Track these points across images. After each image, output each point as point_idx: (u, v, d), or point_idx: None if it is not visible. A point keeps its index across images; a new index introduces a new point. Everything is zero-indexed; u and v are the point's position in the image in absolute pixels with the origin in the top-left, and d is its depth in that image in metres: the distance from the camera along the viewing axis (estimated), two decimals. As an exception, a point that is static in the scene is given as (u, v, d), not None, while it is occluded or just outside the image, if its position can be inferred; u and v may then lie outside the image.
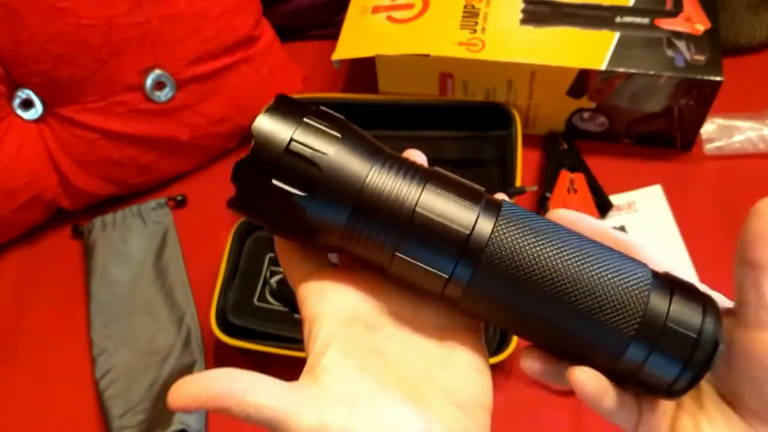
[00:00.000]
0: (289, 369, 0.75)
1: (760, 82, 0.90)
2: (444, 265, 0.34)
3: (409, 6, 0.87)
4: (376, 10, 0.88)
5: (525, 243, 0.33)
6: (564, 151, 0.86)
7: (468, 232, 0.33)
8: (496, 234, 0.33)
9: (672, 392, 0.34)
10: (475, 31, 0.83)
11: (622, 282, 0.33)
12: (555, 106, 0.84)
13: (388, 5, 0.88)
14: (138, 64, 0.81)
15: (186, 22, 0.82)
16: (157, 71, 0.82)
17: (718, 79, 0.77)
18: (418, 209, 0.34)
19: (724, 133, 0.85)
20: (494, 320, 0.37)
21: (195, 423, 0.71)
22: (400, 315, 0.37)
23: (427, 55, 0.82)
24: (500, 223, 0.34)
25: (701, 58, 0.78)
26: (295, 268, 0.38)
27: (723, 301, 0.36)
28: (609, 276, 0.33)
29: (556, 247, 0.34)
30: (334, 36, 0.88)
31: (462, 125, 0.87)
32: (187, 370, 0.75)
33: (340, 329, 0.35)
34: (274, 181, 0.34)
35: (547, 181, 0.83)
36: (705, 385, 0.36)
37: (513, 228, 0.34)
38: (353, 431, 0.32)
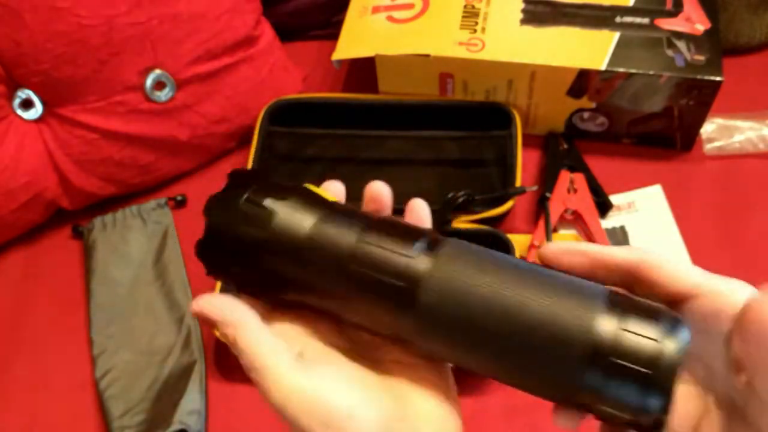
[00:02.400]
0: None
1: (760, 82, 0.90)
2: (388, 319, 0.34)
3: (409, 6, 0.87)
4: (376, 10, 0.88)
5: (461, 286, 0.33)
6: (564, 151, 0.86)
7: (402, 284, 0.33)
8: (431, 280, 0.33)
9: (644, 428, 0.31)
10: (475, 31, 0.83)
11: (565, 317, 0.31)
12: (555, 106, 0.84)
13: (388, 5, 0.88)
14: (138, 64, 0.81)
15: (186, 22, 0.82)
16: (157, 71, 0.82)
17: (718, 79, 0.77)
18: (353, 267, 0.34)
19: (724, 133, 0.85)
20: (450, 361, 0.36)
21: (195, 423, 0.72)
22: (371, 356, 0.37)
23: (427, 55, 0.82)
24: (435, 268, 0.33)
25: (701, 58, 0.78)
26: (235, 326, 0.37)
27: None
28: (551, 310, 0.31)
29: (493, 286, 0.32)
30: (334, 36, 0.88)
31: (462, 125, 0.87)
32: (187, 370, 0.75)
33: (307, 348, 0.36)
34: (232, 227, 0.36)
35: (547, 181, 0.83)
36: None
37: (448, 271, 0.33)
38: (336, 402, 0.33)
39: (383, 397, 0.35)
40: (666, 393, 0.30)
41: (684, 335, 0.31)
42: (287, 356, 0.34)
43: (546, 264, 0.36)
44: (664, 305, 0.33)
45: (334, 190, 0.40)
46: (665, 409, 0.30)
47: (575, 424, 0.33)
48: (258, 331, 0.35)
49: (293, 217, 0.36)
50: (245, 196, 0.36)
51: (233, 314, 0.35)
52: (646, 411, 0.31)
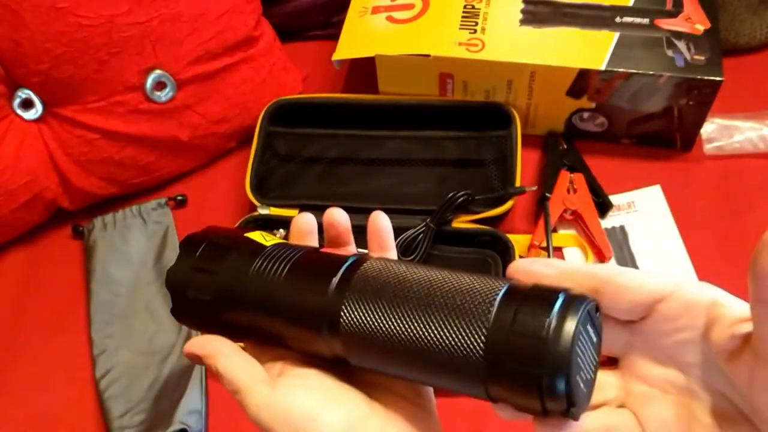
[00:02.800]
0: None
1: (760, 82, 0.90)
2: (321, 348, 0.38)
3: (409, 6, 0.87)
4: (376, 10, 0.88)
5: (373, 307, 0.35)
6: (564, 151, 0.86)
7: (323, 318, 0.37)
8: (346, 308, 0.36)
9: (558, 412, 0.32)
10: (475, 31, 0.83)
11: (462, 316, 0.33)
12: (555, 106, 0.84)
13: (388, 5, 0.88)
14: (138, 64, 0.81)
15: (186, 22, 0.82)
16: (157, 71, 0.82)
17: (718, 79, 0.77)
18: (280, 309, 0.38)
19: (724, 133, 0.85)
20: (383, 372, 0.38)
21: (195, 423, 0.72)
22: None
23: (427, 55, 0.82)
24: (348, 295, 0.36)
25: (701, 58, 0.78)
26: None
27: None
28: (450, 313, 0.33)
29: (399, 301, 0.35)
30: (334, 36, 0.88)
31: (462, 125, 0.87)
32: (187, 370, 0.75)
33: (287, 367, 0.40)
34: (188, 294, 0.41)
35: (546, 181, 0.83)
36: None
37: (361, 295, 0.36)
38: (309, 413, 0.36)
39: (349, 400, 0.37)
40: (563, 370, 0.30)
41: (577, 318, 0.31)
42: (260, 376, 0.38)
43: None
44: (559, 289, 0.33)
45: (301, 223, 0.43)
46: (570, 390, 0.31)
47: (510, 415, 0.34)
48: (233, 357, 0.39)
49: (229, 275, 0.40)
50: (192, 265, 0.41)
51: (211, 346, 0.40)
52: (551, 394, 0.31)
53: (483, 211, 0.80)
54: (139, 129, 0.84)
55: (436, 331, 0.34)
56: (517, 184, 0.80)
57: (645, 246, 0.80)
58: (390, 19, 0.86)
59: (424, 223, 0.78)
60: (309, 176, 0.87)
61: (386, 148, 0.87)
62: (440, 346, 0.33)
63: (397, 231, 0.79)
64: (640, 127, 0.85)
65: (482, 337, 0.32)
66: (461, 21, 0.84)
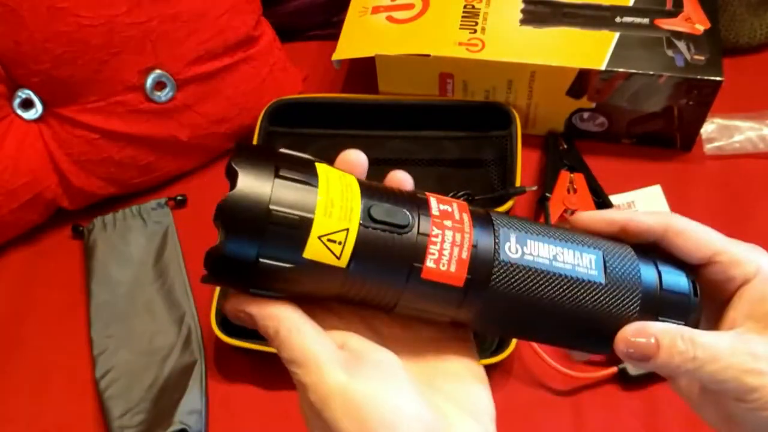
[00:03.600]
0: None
1: (760, 82, 0.90)
2: (448, 309, 0.36)
3: (409, 6, 0.87)
4: (376, 10, 0.88)
5: (526, 259, 0.35)
6: (564, 151, 0.86)
7: (468, 280, 0.34)
8: (498, 257, 0.35)
9: None
10: (475, 31, 0.83)
11: (617, 271, 0.36)
12: (555, 106, 0.84)
13: (388, 5, 0.88)
14: (138, 64, 0.81)
15: (186, 22, 0.82)
16: (157, 71, 0.82)
17: (718, 79, 0.77)
18: (416, 265, 0.34)
19: (724, 133, 0.85)
20: (509, 334, 0.39)
21: (195, 423, 0.72)
22: (389, 334, 0.37)
23: (427, 55, 0.82)
24: (498, 240, 0.35)
25: (701, 58, 0.78)
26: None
27: None
28: (606, 268, 0.36)
29: (552, 254, 0.36)
30: (334, 36, 0.88)
31: (462, 125, 0.87)
32: (187, 370, 0.75)
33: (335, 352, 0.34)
34: (261, 258, 0.32)
35: (547, 181, 0.83)
36: None
37: (511, 248, 0.35)
38: (379, 400, 0.31)
39: (428, 408, 0.33)
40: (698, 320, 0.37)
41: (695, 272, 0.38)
42: (332, 351, 0.33)
43: (577, 229, 0.39)
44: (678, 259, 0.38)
45: (352, 160, 0.38)
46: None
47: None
48: (301, 321, 0.33)
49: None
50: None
51: (275, 306, 0.33)
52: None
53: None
54: (139, 129, 0.84)
55: (589, 297, 0.36)
56: (517, 184, 0.80)
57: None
58: (390, 19, 0.86)
59: (424, 223, 0.78)
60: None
61: (386, 148, 0.87)
62: (601, 304, 0.36)
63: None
64: (640, 127, 0.85)
65: (638, 296, 0.36)
66: (461, 21, 0.84)
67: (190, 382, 0.74)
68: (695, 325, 0.36)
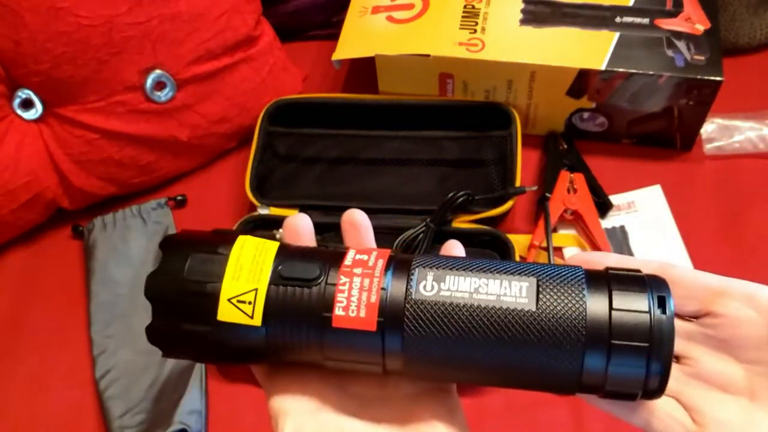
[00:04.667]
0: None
1: (760, 82, 0.90)
2: (374, 358, 0.35)
3: (409, 6, 0.87)
4: (376, 10, 0.88)
5: (442, 295, 0.34)
6: (564, 151, 0.86)
7: (380, 323, 0.34)
8: (410, 296, 0.34)
9: (651, 390, 0.33)
10: (475, 31, 0.83)
11: (554, 296, 0.33)
12: (555, 106, 0.84)
13: (388, 5, 0.88)
14: (138, 64, 0.81)
15: (186, 22, 0.82)
16: (157, 71, 0.82)
17: (718, 79, 0.77)
18: (325, 314, 0.34)
19: (724, 133, 0.85)
20: (446, 379, 0.37)
21: (195, 423, 0.72)
22: (365, 394, 0.37)
23: (427, 55, 0.82)
24: (412, 280, 0.34)
25: (701, 58, 0.78)
26: (255, 367, 0.38)
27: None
28: (540, 295, 0.33)
29: (474, 286, 0.34)
30: (334, 36, 0.88)
31: (462, 125, 0.87)
32: (187, 370, 0.75)
33: (305, 422, 0.35)
34: (182, 326, 0.35)
35: (547, 181, 0.83)
36: None
37: (426, 286, 0.34)
38: None
39: None
40: (665, 359, 0.32)
41: (670, 298, 0.33)
42: None
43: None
44: (640, 272, 0.34)
45: (296, 225, 0.40)
46: (665, 371, 0.32)
47: (602, 405, 0.35)
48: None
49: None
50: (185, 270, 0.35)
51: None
52: (647, 380, 0.32)
53: (483, 211, 0.80)
54: (139, 129, 0.84)
55: (522, 306, 0.33)
56: (517, 184, 0.80)
57: (645, 246, 0.80)
58: (390, 19, 0.86)
59: (424, 223, 0.78)
60: (309, 176, 0.87)
61: (386, 148, 0.87)
62: (532, 333, 0.32)
63: (397, 231, 0.79)
64: (640, 127, 0.85)
65: (582, 319, 0.32)
66: (461, 21, 0.84)
67: (190, 382, 0.74)
68: (669, 345, 0.32)
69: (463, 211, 0.80)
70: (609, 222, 0.82)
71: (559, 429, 0.71)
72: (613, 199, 0.82)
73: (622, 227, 0.81)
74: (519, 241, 0.79)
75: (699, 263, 0.77)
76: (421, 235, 0.78)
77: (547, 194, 0.82)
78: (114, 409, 0.74)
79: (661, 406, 0.35)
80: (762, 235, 0.80)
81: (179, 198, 0.88)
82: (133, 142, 0.84)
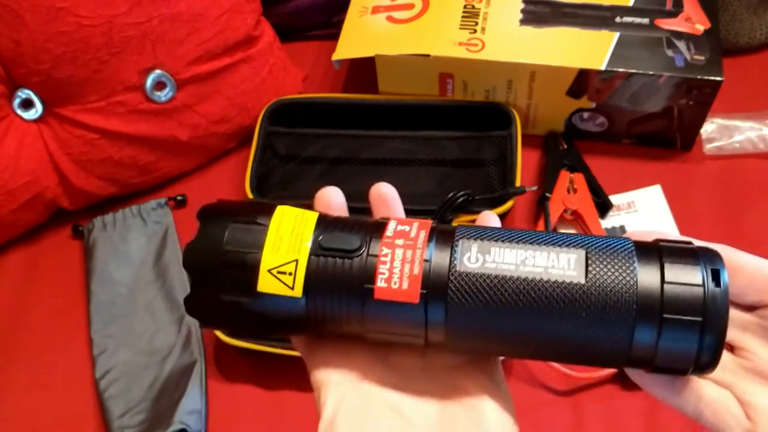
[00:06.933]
0: (289, 368, 0.75)
1: (760, 82, 0.90)
2: (416, 330, 0.34)
3: (409, 6, 0.87)
4: (376, 10, 0.88)
5: (488, 267, 0.33)
6: (564, 151, 0.86)
7: (423, 295, 0.33)
8: (454, 268, 0.33)
9: (702, 366, 0.32)
10: (474, 31, 0.83)
11: (604, 268, 0.32)
12: (555, 106, 0.84)
13: (388, 5, 0.88)
14: (138, 64, 0.81)
15: (186, 22, 0.82)
16: (157, 71, 0.82)
17: (718, 79, 0.77)
18: (367, 286, 0.34)
19: (724, 133, 0.85)
20: (490, 352, 0.36)
21: (195, 423, 0.72)
22: (407, 365, 0.37)
23: (427, 55, 0.82)
24: (455, 252, 0.33)
25: (701, 58, 0.78)
26: (295, 339, 0.38)
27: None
28: (589, 267, 0.32)
29: (521, 258, 0.33)
30: (334, 36, 0.88)
31: (462, 125, 0.87)
32: (187, 370, 0.75)
33: (348, 393, 0.35)
34: (221, 297, 0.35)
35: (547, 181, 0.83)
36: None
37: (471, 258, 0.33)
38: None
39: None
40: (719, 334, 0.31)
41: (724, 270, 0.32)
42: None
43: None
44: (691, 243, 0.33)
45: (328, 198, 0.40)
46: (719, 346, 0.31)
47: (646, 381, 0.34)
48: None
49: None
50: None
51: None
52: (699, 355, 0.31)
53: (483, 211, 0.80)
54: (139, 129, 0.84)
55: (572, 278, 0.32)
56: (517, 184, 0.80)
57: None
58: (390, 19, 0.86)
59: (424, 223, 0.78)
60: (309, 176, 0.87)
61: (386, 148, 0.87)
62: (581, 307, 0.31)
63: (397, 231, 0.79)
64: (640, 127, 0.85)
65: (633, 293, 0.31)
66: (461, 21, 0.84)
67: (190, 382, 0.74)
68: (723, 319, 0.31)
69: (463, 211, 0.80)
70: (609, 222, 0.82)
71: (559, 429, 0.71)
72: (613, 199, 0.82)
73: (622, 227, 0.81)
74: (519, 241, 0.79)
75: (699, 263, 0.77)
76: (421, 235, 0.78)
77: (547, 194, 0.82)
78: (114, 409, 0.74)
79: (715, 395, 0.34)
80: (762, 235, 0.80)
81: (179, 198, 0.88)
82: (133, 142, 0.84)
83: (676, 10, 0.82)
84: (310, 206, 0.38)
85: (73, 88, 0.80)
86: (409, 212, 0.87)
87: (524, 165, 0.82)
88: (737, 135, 0.85)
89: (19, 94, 0.80)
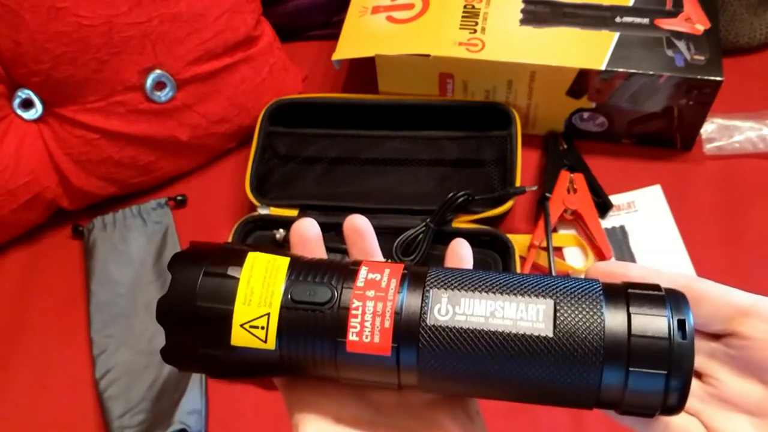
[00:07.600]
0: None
1: (760, 82, 0.90)
2: (390, 377, 0.34)
3: (409, 6, 0.87)
4: (376, 10, 0.88)
5: (458, 320, 0.33)
6: (564, 151, 0.86)
7: (395, 348, 0.33)
8: (424, 321, 0.33)
9: (668, 409, 0.33)
10: (475, 31, 0.83)
11: (573, 313, 0.32)
12: (555, 106, 0.84)
13: (388, 5, 0.88)
14: (138, 64, 0.81)
15: (186, 22, 0.82)
16: (157, 71, 0.82)
17: (718, 79, 0.77)
18: (339, 339, 0.34)
19: (723, 133, 0.85)
20: (462, 394, 0.36)
21: (195, 423, 0.72)
22: (383, 401, 0.37)
23: (427, 55, 0.82)
24: (426, 303, 0.33)
25: (701, 58, 0.78)
26: (276, 378, 0.39)
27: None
28: (557, 319, 0.32)
29: (490, 310, 0.33)
30: (334, 36, 0.88)
31: (462, 125, 0.87)
32: (187, 370, 0.75)
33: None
34: (197, 350, 0.35)
35: (547, 181, 0.83)
36: None
37: (441, 310, 0.33)
38: None
39: None
40: (684, 383, 0.32)
41: (690, 318, 0.32)
42: None
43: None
44: (660, 289, 0.34)
45: (304, 230, 0.40)
46: (683, 396, 0.32)
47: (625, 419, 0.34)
48: None
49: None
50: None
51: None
52: (665, 402, 0.32)
53: (483, 211, 0.80)
54: (139, 129, 0.84)
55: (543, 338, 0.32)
56: (517, 184, 0.80)
57: (645, 246, 0.80)
58: (390, 19, 0.86)
59: (424, 224, 0.78)
60: (309, 176, 0.87)
61: (386, 148, 0.87)
62: (549, 360, 0.32)
63: (397, 231, 0.79)
64: (640, 127, 0.85)
65: (600, 346, 0.32)
66: (461, 21, 0.84)
67: (190, 382, 0.74)
68: (688, 371, 0.32)
69: (463, 211, 0.80)
70: (609, 222, 0.82)
71: (559, 429, 0.71)
72: (613, 199, 0.82)
73: (622, 227, 0.81)
74: (519, 241, 0.79)
75: (699, 263, 0.77)
76: (421, 235, 0.78)
77: (547, 194, 0.82)
78: (114, 409, 0.74)
79: (682, 423, 0.35)
80: (762, 235, 0.80)
81: (179, 198, 0.88)
82: (133, 142, 0.84)
83: (676, 10, 0.82)
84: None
85: (73, 88, 0.80)
86: (409, 212, 0.87)
87: (524, 165, 0.82)
88: (737, 135, 0.85)
89: (19, 94, 0.80)
